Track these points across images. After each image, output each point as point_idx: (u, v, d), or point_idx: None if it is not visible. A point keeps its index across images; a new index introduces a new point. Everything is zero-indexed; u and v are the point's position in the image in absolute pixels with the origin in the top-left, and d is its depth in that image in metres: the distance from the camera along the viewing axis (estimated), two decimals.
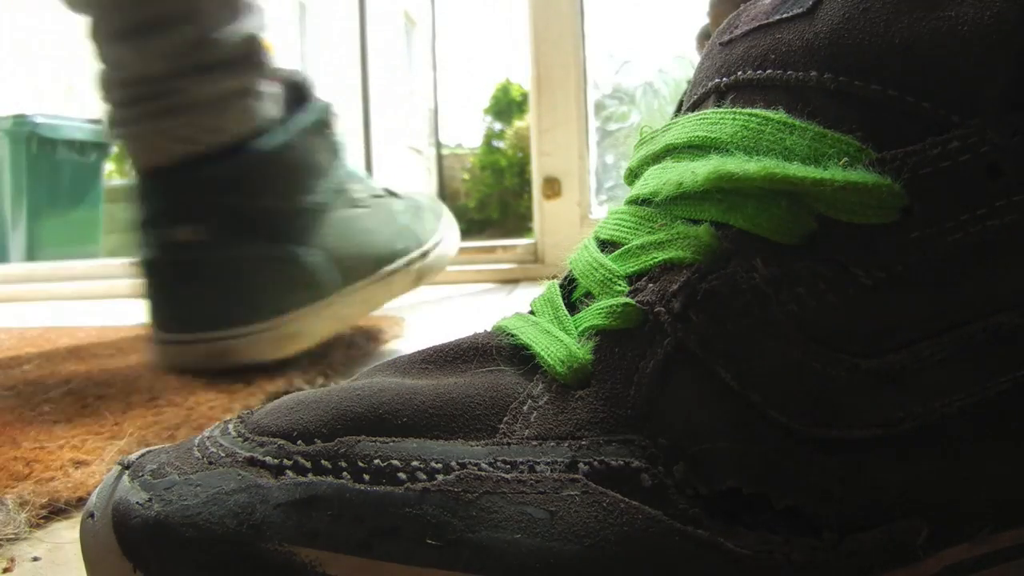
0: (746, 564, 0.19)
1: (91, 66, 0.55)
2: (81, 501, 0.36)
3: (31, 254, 2.25)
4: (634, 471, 0.20)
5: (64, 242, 2.29)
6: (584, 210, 1.28)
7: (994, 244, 0.19)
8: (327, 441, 0.21)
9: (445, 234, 0.71)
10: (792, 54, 0.21)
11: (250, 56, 0.54)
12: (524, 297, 1.04)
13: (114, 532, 0.20)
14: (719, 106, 0.23)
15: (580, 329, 0.23)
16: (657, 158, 0.24)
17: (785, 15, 0.22)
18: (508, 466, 0.20)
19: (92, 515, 0.21)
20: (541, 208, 1.30)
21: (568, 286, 0.25)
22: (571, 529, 0.19)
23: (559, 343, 0.22)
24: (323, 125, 0.57)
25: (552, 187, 1.27)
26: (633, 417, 0.21)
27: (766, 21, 0.22)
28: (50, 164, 2.26)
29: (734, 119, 0.22)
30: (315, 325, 0.55)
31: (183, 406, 0.51)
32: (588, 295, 0.24)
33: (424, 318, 0.91)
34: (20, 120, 2.25)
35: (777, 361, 0.20)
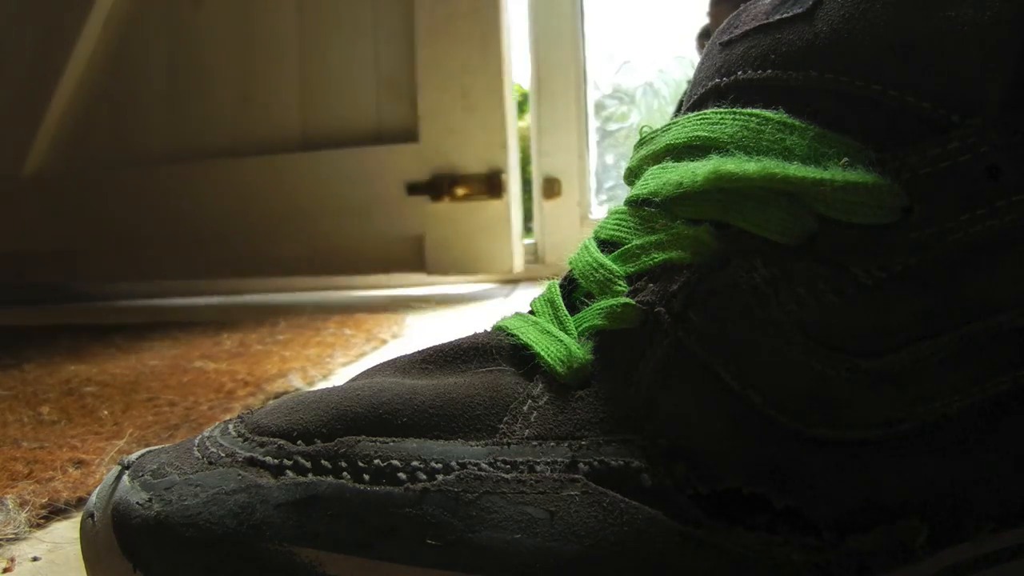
0: (746, 564, 0.19)
1: None
2: (81, 501, 0.36)
3: None
4: (634, 471, 0.20)
5: None
6: (584, 210, 1.28)
7: (994, 244, 0.19)
8: (327, 441, 0.21)
9: None
10: (792, 54, 0.21)
11: None
12: (524, 297, 1.04)
13: (114, 532, 0.20)
14: (719, 106, 0.23)
15: (580, 329, 0.23)
16: (657, 158, 0.24)
17: (785, 15, 0.22)
18: (508, 466, 0.20)
19: (92, 515, 0.21)
20: (541, 208, 1.30)
21: (568, 286, 0.25)
22: (571, 529, 0.19)
23: (559, 343, 0.22)
24: None
25: (552, 187, 1.27)
26: (633, 417, 0.21)
27: (766, 21, 0.22)
28: None
29: (734, 119, 0.22)
30: None
31: (183, 406, 0.51)
32: (588, 295, 0.24)
33: (424, 318, 0.91)
34: None
35: (777, 361, 0.20)
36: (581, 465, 0.20)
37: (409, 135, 1.15)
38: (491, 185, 1.12)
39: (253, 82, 1.26)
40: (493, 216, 1.13)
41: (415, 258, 1.17)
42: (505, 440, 0.21)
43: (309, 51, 1.23)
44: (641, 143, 0.25)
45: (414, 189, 1.15)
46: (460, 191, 1.12)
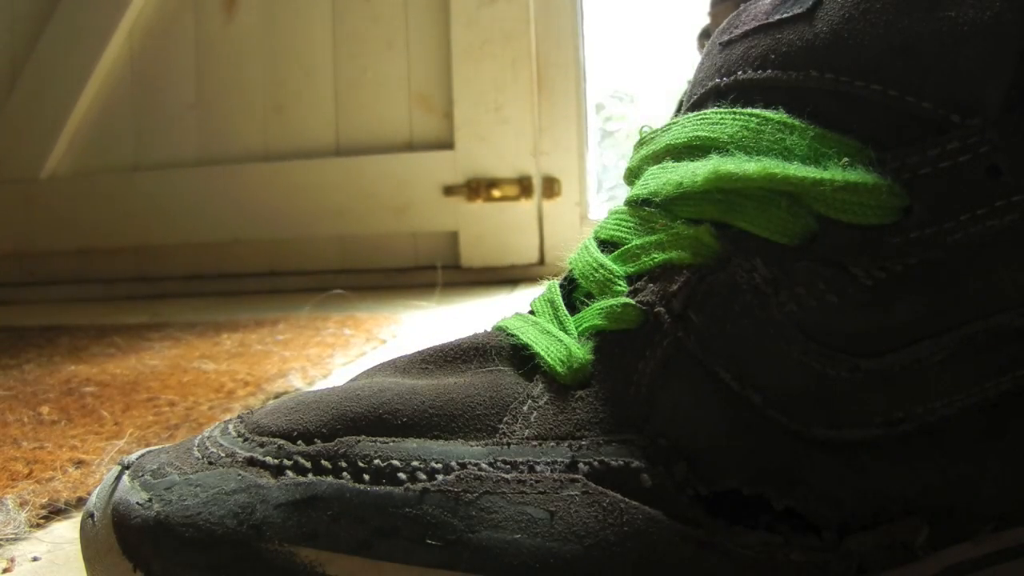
0: (746, 564, 0.19)
1: None
2: (81, 501, 0.36)
3: None
4: (634, 471, 0.20)
5: None
6: (584, 210, 1.28)
7: (994, 244, 0.19)
8: (327, 441, 0.21)
9: None
10: (792, 54, 0.21)
11: None
12: (524, 297, 1.04)
13: (114, 532, 0.20)
14: (719, 106, 0.23)
15: (580, 329, 0.23)
16: (657, 158, 0.24)
17: (785, 15, 0.22)
18: (508, 466, 0.20)
19: (92, 515, 0.21)
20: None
21: (568, 286, 0.25)
22: (571, 529, 0.19)
23: (559, 343, 0.22)
24: None
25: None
26: (633, 417, 0.21)
27: (766, 21, 0.22)
28: None
29: (734, 119, 0.22)
30: None
31: (183, 406, 0.51)
32: (588, 295, 0.24)
33: (423, 318, 0.91)
34: None
35: (777, 361, 0.20)
36: (581, 465, 0.20)
37: (444, 143, 1.28)
38: (523, 188, 1.26)
39: (286, 93, 1.33)
40: (523, 214, 1.26)
41: (450, 252, 1.28)
42: (505, 440, 0.21)
43: (343, 66, 1.32)
44: (641, 143, 0.25)
45: (450, 191, 1.27)
46: (496, 193, 1.26)
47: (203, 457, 0.21)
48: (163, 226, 1.34)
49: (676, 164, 0.23)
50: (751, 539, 0.19)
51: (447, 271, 1.24)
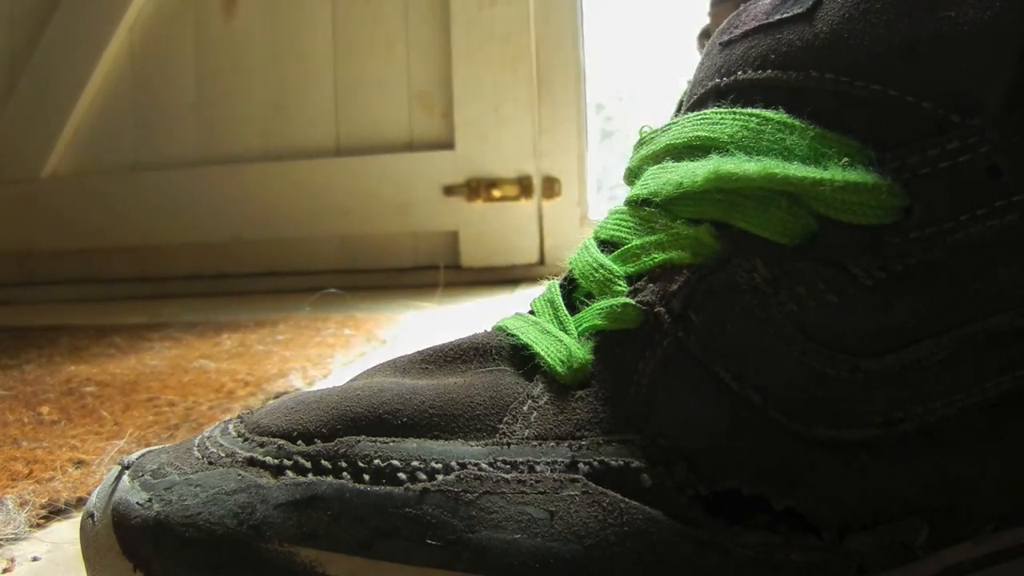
0: (746, 564, 0.19)
1: None
2: (81, 501, 0.35)
3: None
4: (634, 471, 0.20)
5: None
6: (584, 210, 1.28)
7: (994, 244, 0.19)
8: (327, 441, 0.21)
9: None
10: (792, 54, 0.21)
11: None
12: (524, 297, 1.04)
13: (114, 532, 0.20)
14: (719, 106, 0.23)
15: (580, 329, 0.23)
16: (657, 158, 0.24)
17: (785, 15, 0.22)
18: (508, 466, 0.20)
19: (92, 515, 0.21)
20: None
21: (568, 286, 0.25)
22: (571, 529, 0.19)
23: (559, 343, 0.22)
24: None
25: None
26: (633, 417, 0.21)
27: (766, 21, 0.22)
28: None
29: (734, 119, 0.22)
30: None
31: (183, 406, 0.51)
32: (588, 295, 0.24)
33: (423, 318, 0.91)
34: None
35: (777, 361, 0.20)
36: (581, 465, 0.20)
37: (444, 143, 1.28)
38: (523, 188, 1.27)
39: (286, 92, 1.34)
40: (523, 214, 1.27)
41: (450, 252, 1.29)
42: (505, 440, 0.21)
43: (343, 65, 1.32)
44: (641, 143, 0.25)
45: (450, 191, 1.28)
46: (496, 193, 1.27)
47: (203, 457, 0.21)
48: (163, 226, 1.34)
49: (676, 164, 0.23)
50: (751, 539, 0.19)
51: (447, 271, 1.24)
